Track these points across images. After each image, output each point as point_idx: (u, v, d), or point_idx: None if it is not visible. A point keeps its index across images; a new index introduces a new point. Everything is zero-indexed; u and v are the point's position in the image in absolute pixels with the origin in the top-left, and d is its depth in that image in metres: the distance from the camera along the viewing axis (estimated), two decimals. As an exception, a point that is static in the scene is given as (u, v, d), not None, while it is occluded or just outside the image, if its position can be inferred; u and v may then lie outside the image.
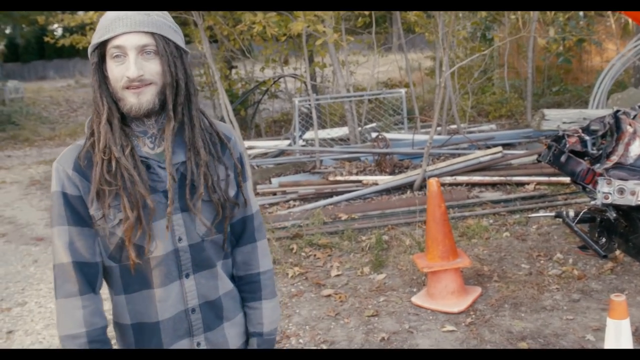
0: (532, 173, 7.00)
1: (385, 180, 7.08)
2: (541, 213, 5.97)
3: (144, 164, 1.63)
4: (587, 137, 4.40)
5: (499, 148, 7.20)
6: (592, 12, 14.03)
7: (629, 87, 10.49)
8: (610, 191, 3.44)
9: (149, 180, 1.62)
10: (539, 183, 6.83)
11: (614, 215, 3.60)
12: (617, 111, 4.53)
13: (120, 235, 1.61)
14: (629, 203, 3.38)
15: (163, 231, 1.64)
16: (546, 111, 8.23)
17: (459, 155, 7.62)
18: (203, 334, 1.74)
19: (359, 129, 9.30)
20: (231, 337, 1.80)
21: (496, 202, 6.41)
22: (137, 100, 1.57)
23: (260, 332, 1.85)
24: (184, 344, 1.73)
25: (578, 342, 3.79)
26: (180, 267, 1.68)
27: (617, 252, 4.41)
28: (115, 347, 1.74)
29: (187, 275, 1.69)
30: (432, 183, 4.48)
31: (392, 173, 7.44)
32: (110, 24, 1.56)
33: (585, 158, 4.42)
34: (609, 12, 13.75)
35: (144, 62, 1.56)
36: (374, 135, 8.35)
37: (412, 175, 6.99)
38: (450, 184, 6.97)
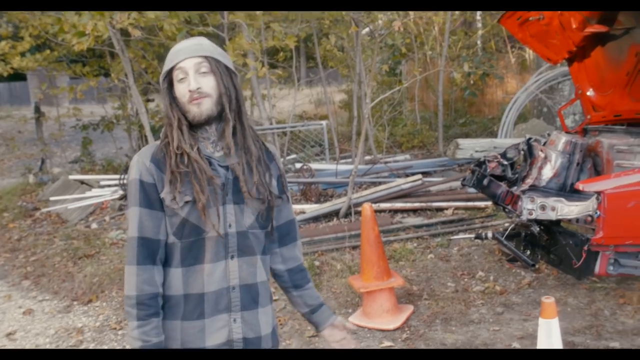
0: (450, 199, 7.43)
1: (312, 208, 7.32)
2: (461, 235, 6.37)
3: (207, 161, 2.01)
4: (505, 162, 4.83)
5: (419, 176, 7.61)
6: (493, 48, 15.02)
7: (530, 118, 11.28)
8: (534, 207, 3.82)
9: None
10: (457, 208, 7.26)
11: (537, 229, 3.99)
12: (529, 139, 4.99)
13: (183, 215, 1.97)
14: (550, 218, 3.77)
15: (219, 216, 1.99)
16: (460, 141, 8.75)
17: (380, 183, 7.98)
18: (240, 312, 2.05)
19: (282, 160, 9.52)
20: (263, 322, 2.13)
21: (419, 226, 6.77)
22: (198, 109, 1.98)
23: (321, 302, 2.31)
24: (222, 318, 2.04)
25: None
26: (227, 249, 2.02)
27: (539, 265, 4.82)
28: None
29: (232, 257, 2.03)
30: (366, 208, 4.76)
31: (317, 202, 7.69)
32: (174, 55, 2.01)
33: (504, 181, 4.84)
34: (509, 49, 14.73)
35: (200, 78, 1.98)
36: (298, 165, 8.61)
37: (337, 203, 7.26)
38: (375, 211, 7.27)
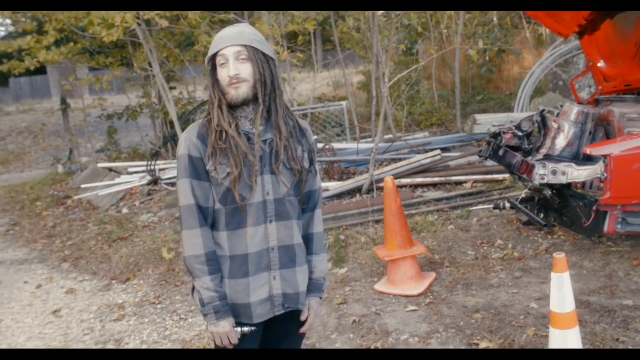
0: (469, 173, 7.64)
1: (335, 186, 7.57)
2: (480, 207, 6.60)
3: (246, 136, 2.27)
4: (520, 134, 5.04)
5: (438, 151, 7.83)
6: (509, 25, 15.07)
7: (546, 92, 11.39)
8: (546, 173, 4.04)
9: (249, 149, 2.25)
10: (475, 181, 7.47)
11: (550, 193, 4.21)
12: (543, 110, 5.19)
13: (227, 185, 2.24)
14: (561, 182, 3.99)
15: (258, 185, 2.26)
16: (477, 116, 8.94)
17: (400, 160, 8.21)
18: (279, 270, 2.32)
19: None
20: (300, 280, 2.40)
21: (439, 200, 7.00)
22: (235, 93, 2.24)
23: (310, 278, 2.47)
24: (264, 277, 2.31)
25: (525, 310, 4.36)
26: (266, 214, 2.29)
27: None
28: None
29: (271, 222, 2.31)
30: (388, 181, 5.00)
31: (340, 179, 7.94)
32: (218, 42, 2.27)
33: (519, 152, 5.05)
34: (525, 24, 14.78)
35: (239, 65, 2.23)
36: (320, 146, 8.86)
37: (360, 180, 7.51)
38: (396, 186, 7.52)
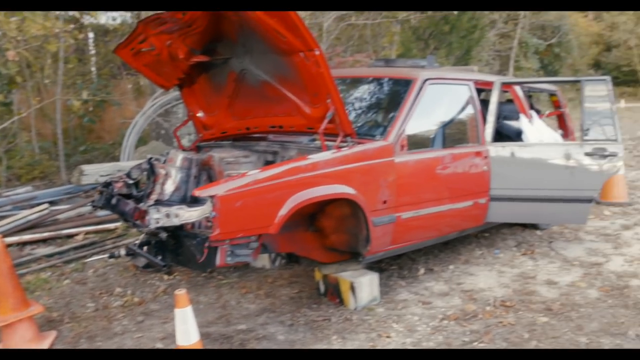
0: (80, 224, 7.49)
1: None
2: (94, 258, 6.54)
3: None
4: (130, 182, 5.22)
5: (46, 205, 7.51)
6: (108, 75, 15.24)
7: (150, 140, 11.85)
8: (160, 216, 4.25)
9: None
10: (87, 232, 7.37)
11: (165, 235, 4.44)
12: (151, 158, 5.46)
13: None
14: (174, 223, 4.25)
15: None
16: (84, 167, 8.82)
17: (2, 217, 7.62)
18: None
19: None
20: None
21: (50, 255, 6.71)
22: None
23: None
24: None
25: (150, 348, 4.49)
26: None
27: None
28: None
29: None
30: (-4, 240, 4.65)
31: None
32: None
33: (131, 199, 5.21)
34: (123, 75, 15.12)
35: None
36: None
37: (-44, 243, 6.74)
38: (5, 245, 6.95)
